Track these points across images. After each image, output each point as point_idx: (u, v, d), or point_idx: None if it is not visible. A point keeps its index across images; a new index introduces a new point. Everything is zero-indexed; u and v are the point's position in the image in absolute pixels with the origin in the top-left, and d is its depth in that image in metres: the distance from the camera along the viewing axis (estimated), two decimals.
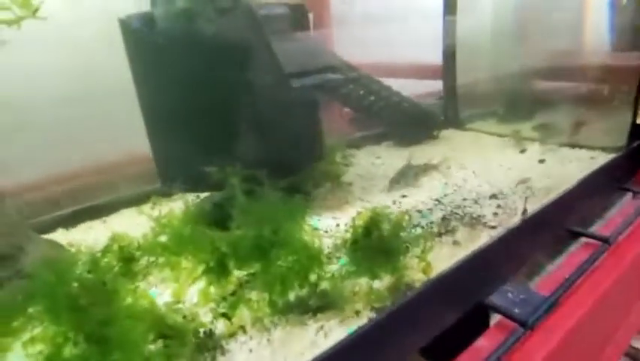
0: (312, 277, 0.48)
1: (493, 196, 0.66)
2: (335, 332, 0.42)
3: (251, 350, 0.41)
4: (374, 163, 0.89)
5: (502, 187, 0.69)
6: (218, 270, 0.52)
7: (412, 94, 1.04)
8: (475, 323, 0.54)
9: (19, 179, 0.71)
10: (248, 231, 0.51)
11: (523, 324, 0.50)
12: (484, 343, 0.50)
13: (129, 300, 0.41)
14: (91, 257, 0.51)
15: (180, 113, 0.63)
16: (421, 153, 0.89)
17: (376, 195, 0.73)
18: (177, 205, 0.66)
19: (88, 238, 0.67)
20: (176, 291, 0.52)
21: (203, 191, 0.70)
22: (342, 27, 1.12)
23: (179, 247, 0.56)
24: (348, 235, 0.51)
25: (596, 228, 0.73)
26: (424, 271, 0.50)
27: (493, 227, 0.60)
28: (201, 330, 0.43)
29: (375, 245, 0.51)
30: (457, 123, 1.04)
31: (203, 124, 0.64)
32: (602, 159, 0.82)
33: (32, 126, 0.69)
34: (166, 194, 0.69)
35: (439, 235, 0.58)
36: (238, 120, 0.65)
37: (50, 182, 0.74)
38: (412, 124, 0.93)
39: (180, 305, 0.48)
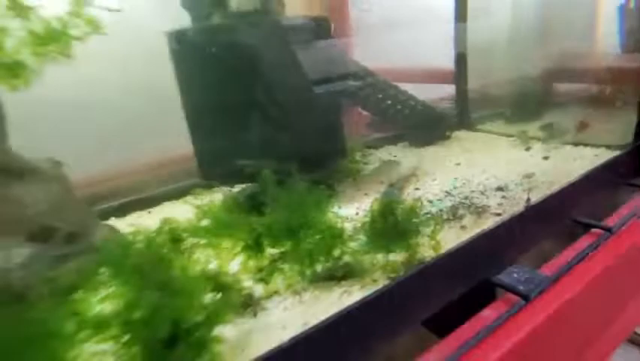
0: (336, 253, 0.56)
1: (499, 189, 0.72)
2: (356, 295, 0.50)
3: (285, 308, 0.49)
4: (389, 161, 0.97)
5: (508, 181, 0.75)
6: (255, 248, 0.60)
7: (428, 98, 1.11)
8: (481, 298, 0.61)
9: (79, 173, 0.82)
10: (280, 215, 0.60)
11: (525, 297, 0.57)
12: (488, 313, 0.57)
13: (184, 264, 0.50)
14: (146, 235, 0.61)
15: (219, 116, 0.73)
16: (434, 153, 0.96)
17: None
18: (215, 197, 0.75)
19: (137, 224, 0.77)
20: (219, 265, 0.61)
21: (237, 184, 0.79)
22: (360, 35, 1.20)
23: (220, 229, 0.64)
24: (367, 220, 0.59)
25: (605, 221, 0.79)
26: (434, 249, 0.57)
27: (498, 214, 0.66)
28: (243, 292, 0.51)
29: (390, 227, 0.59)
30: (468, 125, 1.11)
31: (239, 125, 0.73)
32: (606, 156, 0.87)
33: (91, 128, 0.80)
34: (205, 187, 0.78)
35: (448, 220, 0.65)
36: (269, 122, 0.74)
37: (104, 178, 0.84)
38: (426, 126, 1.00)
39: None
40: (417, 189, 0.78)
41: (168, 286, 0.48)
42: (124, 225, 0.77)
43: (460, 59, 1.15)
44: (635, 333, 0.92)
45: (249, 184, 0.76)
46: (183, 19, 0.78)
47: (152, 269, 0.50)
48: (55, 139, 0.69)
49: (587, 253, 0.69)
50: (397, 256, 0.56)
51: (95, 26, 0.60)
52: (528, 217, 0.67)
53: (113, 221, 0.80)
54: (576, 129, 0.90)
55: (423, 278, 0.53)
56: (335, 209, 0.73)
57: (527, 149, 0.90)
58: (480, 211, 0.66)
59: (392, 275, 0.53)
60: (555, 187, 0.73)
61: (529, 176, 0.75)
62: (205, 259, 0.62)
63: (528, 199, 0.67)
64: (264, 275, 0.53)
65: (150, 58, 0.79)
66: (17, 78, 0.54)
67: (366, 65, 0.96)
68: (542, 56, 1.12)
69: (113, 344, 0.41)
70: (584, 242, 0.72)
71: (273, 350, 0.40)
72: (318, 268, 0.54)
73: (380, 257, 0.56)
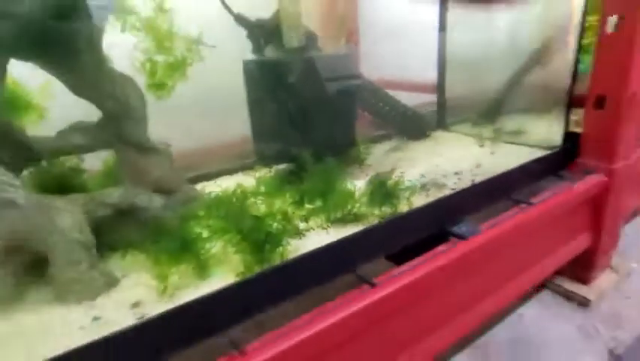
0: (349, 207, 0.91)
1: (456, 173, 1.07)
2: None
3: (318, 235, 0.83)
4: (385, 152, 1.31)
5: (463, 169, 1.10)
6: (298, 203, 0.95)
7: (414, 103, 1.44)
8: (439, 241, 0.95)
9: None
10: (314, 183, 0.94)
11: (462, 238, 0.91)
12: (440, 248, 0.91)
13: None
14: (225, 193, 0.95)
15: (271, 114, 1.07)
16: (415, 147, 1.31)
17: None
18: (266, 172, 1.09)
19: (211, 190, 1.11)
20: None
21: (281, 163, 1.13)
22: (366, 47, 1.52)
23: (274, 191, 0.99)
24: (369, 188, 0.94)
25: (532, 199, 1.13)
26: (409, 206, 0.91)
27: (453, 189, 1.00)
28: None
29: (382, 193, 0.93)
30: (444, 127, 1.45)
31: (285, 121, 1.07)
32: (539, 154, 1.21)
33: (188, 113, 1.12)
34: (259, 165, 1.12)
35: (420, 192, 0.99)
36: (304, 119, 1.08)
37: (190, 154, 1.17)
38: (412, 126, 1.33)
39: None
40: (402, 172, 1.13)
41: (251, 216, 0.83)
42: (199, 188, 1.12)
43: (441, 72, 1.48)
44: (566, 289, 1.27)
45: (289, 164, 1.11)
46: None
47: (237, 208, 0.85)
48: (164, 127, 1.01)
49: (513, 216, 1.03)
50: (386, 210, 0.91)
51: (199, 57, 0.94)
52: (472, 191, 1.02)
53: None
54: (517, 133, 1.24)
55: (398, 223, 0.87)
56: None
57: (481, 146, 1.24)
58: (441, 186, 1.01)
59: (381, 220, 0.87)
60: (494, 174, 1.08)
61: (478, 165, 1.10)
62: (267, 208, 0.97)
63: (472, 181, 1.02)
64: (305, 217, 0.87)
65: (233, 73, 1.12)
66: (161, 90, 0.87)
67: (365, 74, 1.29)
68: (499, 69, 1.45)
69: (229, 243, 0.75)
70: (511, 211, 1.07)
71: (313, 249, 0.74)
72: (338, 215, 0.89)
73: (376, 211, 0.90)
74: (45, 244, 0.69)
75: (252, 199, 0.98)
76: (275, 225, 0.78)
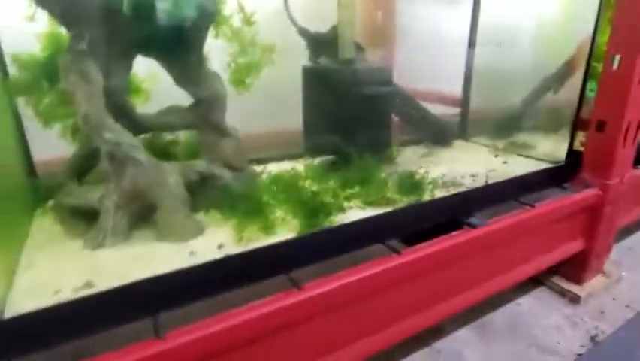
0: (383, 193, 1.11)
1: (472, 175, 1.26)
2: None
3: (356, 212, 1.04)
4: (414, 155, 1.51)
5: (478, 172, 1.29)
6: (341, 187, 1.15)
7: (439, 113, 1.64)
8: (452, 228, 1.15)
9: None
10: (354, 172, 1.15)
11: (474, 227, 1.10)
12: (454, 233, 1.10)
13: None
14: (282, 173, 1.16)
15: (321, 113, 1.28)
16: (439, 153, 1.51)
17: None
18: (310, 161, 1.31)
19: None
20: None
21: (325, 155, 1.34)
22: (400, 57, 1.72)
23: (318, 176, 1.20)
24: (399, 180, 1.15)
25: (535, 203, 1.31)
26: (430, 196, 1.11)
27: (468, 187, 1.20)
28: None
29: (410, 184, 1.13)
30: (465, 137, 1.65)
31: (331, 120, 1.29)
32: (545, 166, 1.40)
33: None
34: (306, 155, 1.33)
35: (440, 188, 1.19)
36: (348, 120, 1.29)
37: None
38: (437, 134, 1.53)
39: None
40: (427, 172, 1.33)
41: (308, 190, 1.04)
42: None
43: (466, 86, 1.67)
44: (562, 287, 1.45)
45: (331, 156, 1.32)
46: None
47: (294, 184, 1.06)
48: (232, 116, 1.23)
49: (517, 215, 1.22)
50: (412, 198, 1.11)
51: (271, 61, 1.16)
52: (484, 190, 1.21)
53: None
54: (529, 147, 1.43)
55: (421, 209, 1.07)
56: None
57: (496, 156, 1.44)
58: (458, 185, 1.20)
59: (407, 205, 1.08)
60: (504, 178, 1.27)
61: (491, 171, 1.29)
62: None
63: (486, 181, 1.21)
64: (347, 198, 1.08)
65: (292, 76, 1.34)
66: (240, 86, 1.10)
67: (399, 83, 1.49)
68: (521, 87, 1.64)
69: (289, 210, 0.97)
70: (516, 210, 1.26)
71: (353, 220, 0.94)
72: (373, 199, 1.09)
73: (404, 198, 1.10)
74: (156, 196, 0.91)
75: (302, 182, 1.20)
76: (326, 199, 0.99)
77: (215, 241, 0.91)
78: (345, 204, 1.06)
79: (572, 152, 1.40)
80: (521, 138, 1.55)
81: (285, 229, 0.95)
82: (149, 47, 0.97)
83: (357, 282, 0.87)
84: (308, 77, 1.27)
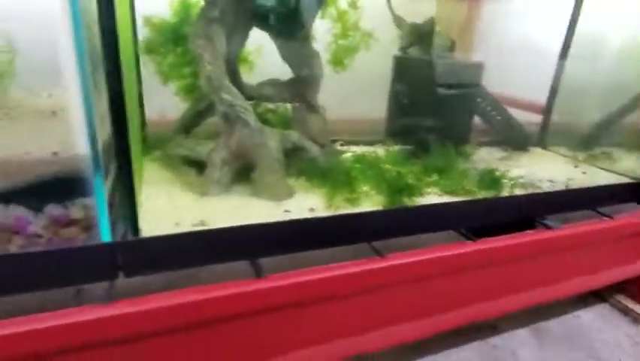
0: (462, 184, 1.14)
1: (549, 180, 1.26)
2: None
3: (434, 196, 1.08)
4: (490, 155, 1.53)
5: (557, 179, 1.29)
6: (422, 174, 1.20)
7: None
8: (526, 227, 1.16)
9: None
10: (434, 160, 1.19)
11: (549, 228, 1.11)
12: (528, 231, 1.12)
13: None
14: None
15: (406, 102, 1.33)
16: (518, 157, 1.51)
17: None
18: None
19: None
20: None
21: (405, 145, 1.39)
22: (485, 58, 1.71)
23: (398, 162, 1.25)
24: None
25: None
26: (510, 192, 1.14)
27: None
28: None
29: (490, 178, 1.16)
30: (544, 145, 1.63)
31: (416, 109, 1.33)
32: (625, 180, 1.37)
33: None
34: (386, 142, 1.39)
35: (519, 188, 1.21)
36: (432, 111, 1.33)
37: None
38: (516, 138, 1.53)
39: None
40: (507, 171, 1.34)
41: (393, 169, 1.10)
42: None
43: (551, 96, 1.65)
44: (625, 306, 1.42)
45: (411, 145, 1.36)
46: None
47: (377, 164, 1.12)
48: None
49: (593, 223, 1.21)
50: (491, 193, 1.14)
51: (367, 47, 1.22)
52: (562, 195, 1.21)
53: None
54: (609, 160, 1.40)
55: (499, 203, 1.10)
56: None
57: (575, 166, 1.42)
58: (536, 188, 1.21)
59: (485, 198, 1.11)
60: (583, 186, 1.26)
61: (570, 179, 1.29)
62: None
63: (566, 187, 1.21)
64: (426, 184, 1.13)
65: (381, 63, 1.39)
66: (340, 66, 1.17)
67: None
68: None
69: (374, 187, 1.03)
70: (593, 219, 1.24)
71: (433, 203, 0.99)
72: (451, 188, 1.13)
73: (483, 191, 1.13)
74: (257, 156, 1.01)
75: (382, 165, 1.26)
76: (410, 181, 1.04)
77: (306, 204, 0.98)
78: (425, 189, 1.11)
79: None
80: (603, 151, 1.52)
81: (369, 203, 1.01)
82: (266, 21, 1.06)
83: (434, 260, 0.92)
84: (399, 66, 1.32)
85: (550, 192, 1.16)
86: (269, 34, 1.09)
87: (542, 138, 1.66)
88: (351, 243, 0.94)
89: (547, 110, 1.64)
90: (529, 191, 1.17)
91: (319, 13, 1.10)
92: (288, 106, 1.29)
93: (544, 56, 1.69)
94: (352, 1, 1.14)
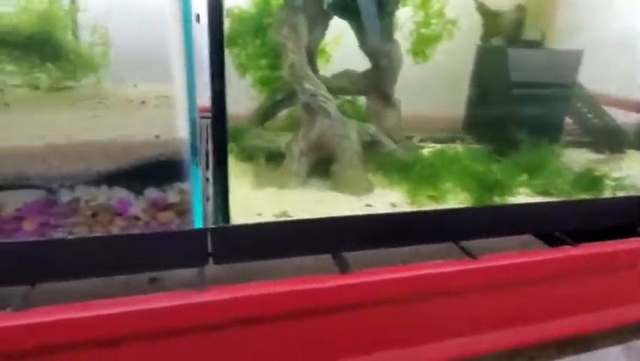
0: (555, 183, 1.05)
1: None
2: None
3: (523, 198, 1.00)
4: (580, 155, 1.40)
5: None
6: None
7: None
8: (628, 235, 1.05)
9: None
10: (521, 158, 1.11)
11: None
12: (631, 239, 1.00)
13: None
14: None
15: (490, 97, 1.25)
16: (614, 159, 1.37)
17: None
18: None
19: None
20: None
21: (482, 143, 1.31)
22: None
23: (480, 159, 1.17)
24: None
25: None
26: (613, 193, 1.02)
27: None
28: None
29: (589, 179, 1.05)
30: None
31: (499, 103, 1.25)
32: None
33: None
34: (465, 138, 1.31)
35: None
36: (520, 105, 1.23)
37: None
38: (610, 141, 1.39)
39: None
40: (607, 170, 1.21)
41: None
42: None
43: None
44: None
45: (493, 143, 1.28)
46: None
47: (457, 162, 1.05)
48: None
49: None
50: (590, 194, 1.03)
51: (450, 36, 1.16)
52: None
53: None
54: None
55: (595, 205, 0.99)
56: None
57: None
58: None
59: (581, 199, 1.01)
60: None
61: None
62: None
63: None
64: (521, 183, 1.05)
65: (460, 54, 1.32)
66: (421, 56, 1.12)
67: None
68: None
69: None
70: None
71: (523, 202, 0.91)
72: (542, 188, 1.04)
73: (578, 192, 1.03)
74: (338, 148, 0.98)
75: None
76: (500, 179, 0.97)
77: (387, 199, 0.94)
78: (516, 189, 1.03)
79: None
80: None
81: (454, 201, 0.95)
82: (347, 9, 1.03)
83: (532, 263, 0.85)
84: (484, 56, 1.24)
85: None
86: (349, 23, 1.06)
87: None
88: (437, 241, 0.89)
89: None
90: (632, 193, 1.05)
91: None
92: (361, 99, 1.25)
93: None
94: None
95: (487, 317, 0.87)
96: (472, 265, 0.80)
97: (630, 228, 1.04)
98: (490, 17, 1.25)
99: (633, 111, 1.49)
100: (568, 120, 1.42)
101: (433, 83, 1.24)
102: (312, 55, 1.06)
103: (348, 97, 1.21)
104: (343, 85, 1.18)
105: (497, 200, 0.94)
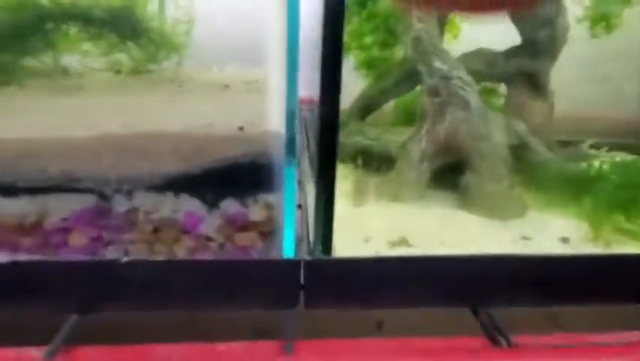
0: None
1: None
2: None
3: None
4: None
5: None
6: None
7: None
8: None
9: None
10: None
11: None
12: None
13: None
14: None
15: None
16: None
17: None
18: None
19: None
20: None
21: None
22: None
23: None
24: None
25: None
26: None
27: None
28: None
29: None
30: None
31: None
32: None
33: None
34: None
35: None
36: None
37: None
38: None
39: None
40: None
41: None
42: None
43: None
44: None
45: None
46: None
47: None
48: None
49: None
50: None
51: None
52: None
53: None
54: None
55: None
56: None
57: None
58: None
59: None
60: None
61: None
62: None
63: None
64: None
65: None
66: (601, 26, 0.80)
67: None
68: None
69: None
70: None
71: None
72: None
73: None
74: (476, 152, 0.71)
75: None
76: None
77: (552, 230, 0.65)
78: None
79: None
80: None
81: None
82: None
83: None
84: None
85: None
86: None
87: None
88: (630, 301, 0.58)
89: None
90: None
91: None
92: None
93: None
94: None
95: None
96: None
97: None
98: None
99: None
100: None
101: (613, 70, 0.89)
102: (440, 27, 0.80)
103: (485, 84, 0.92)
104: (476, 68, 0.89)
105: None
